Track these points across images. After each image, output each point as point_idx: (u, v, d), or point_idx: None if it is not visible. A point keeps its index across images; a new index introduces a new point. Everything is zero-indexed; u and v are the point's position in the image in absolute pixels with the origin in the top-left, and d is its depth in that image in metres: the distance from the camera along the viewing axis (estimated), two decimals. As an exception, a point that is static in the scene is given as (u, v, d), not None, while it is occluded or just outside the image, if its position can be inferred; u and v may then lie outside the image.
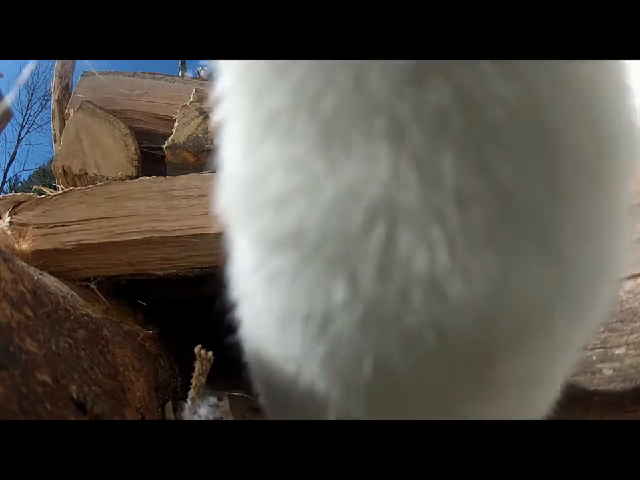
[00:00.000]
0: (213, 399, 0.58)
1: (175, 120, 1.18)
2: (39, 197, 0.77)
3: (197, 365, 0.47)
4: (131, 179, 1.06)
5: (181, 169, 1.15)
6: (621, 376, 0.58)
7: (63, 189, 0.89)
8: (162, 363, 0.76)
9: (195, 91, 1.19)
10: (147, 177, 0.85)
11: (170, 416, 0.63)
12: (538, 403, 0.34)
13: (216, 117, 0.29)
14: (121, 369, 0.53)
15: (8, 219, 0.73)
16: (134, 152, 1.30)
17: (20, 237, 0.71)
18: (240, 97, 0.28)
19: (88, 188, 0.80)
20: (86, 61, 1.36)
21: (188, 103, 1.18)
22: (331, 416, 0.29)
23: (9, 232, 0.72)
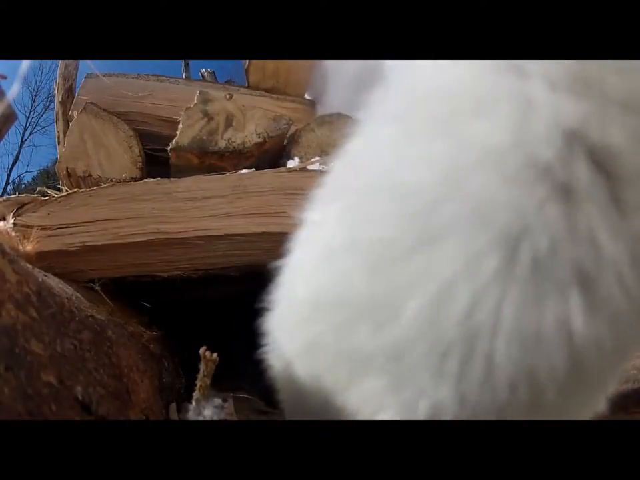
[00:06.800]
0: (217, 400, 0.58)
1: (179, 122, 1.18)
2: (43, 198, 0.77)
3: (202, 366, 0.47)
4: (135, 180, 1.06)
5: (185, 170, 1.15)
6: (624, 377, 0.58)
7: (66, 190, 0.89)
8: (166, 364, 0.76)
9: (199, 93, 1.19)
10: (151, 179, 0.85)
11: (174, 417, 0.63)
12: None
13: None
14: (126, 370, 0.53)
15: (12, 221, 0.74)
16: (138, 154, 1.30)
17: (24, 238, 0.72)
18: None
19: (92, 190, 0.80)
20: (89, 62, 1.36)
21: (192, 105, 1.18)
22: None
23: (13, 233, 0.72)
